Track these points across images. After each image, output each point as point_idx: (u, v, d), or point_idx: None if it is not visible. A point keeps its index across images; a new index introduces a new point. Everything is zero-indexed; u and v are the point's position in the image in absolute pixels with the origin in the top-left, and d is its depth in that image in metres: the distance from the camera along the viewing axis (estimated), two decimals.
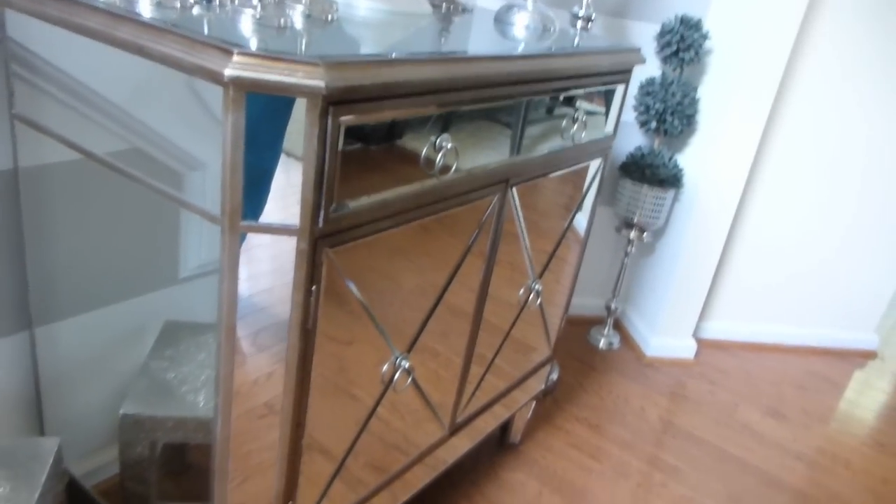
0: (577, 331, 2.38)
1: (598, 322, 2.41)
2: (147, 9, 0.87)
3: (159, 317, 1.09)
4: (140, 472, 1.15)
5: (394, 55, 0.81)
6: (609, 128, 1.43)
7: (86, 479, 1.25)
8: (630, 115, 2.12)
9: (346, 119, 0.77)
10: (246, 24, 0.85)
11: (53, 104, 1.00)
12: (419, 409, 1.23)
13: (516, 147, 1.13)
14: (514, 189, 1.18)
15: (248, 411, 0.91)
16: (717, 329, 2.50)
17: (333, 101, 0.74)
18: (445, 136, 0.93)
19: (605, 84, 1.32)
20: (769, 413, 2.16)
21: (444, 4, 1.48)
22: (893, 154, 2.28)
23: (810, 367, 2.48)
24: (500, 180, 1.12)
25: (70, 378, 1.23)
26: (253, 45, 0.74)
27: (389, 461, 1.23)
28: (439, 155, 0.93)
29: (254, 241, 0.80)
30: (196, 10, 0.92)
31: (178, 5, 0.90)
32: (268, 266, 0.83)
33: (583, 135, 1.28)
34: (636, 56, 1.38)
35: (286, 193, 0.79)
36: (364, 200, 0.86)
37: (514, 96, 1.06)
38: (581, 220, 1.50)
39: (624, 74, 1.38)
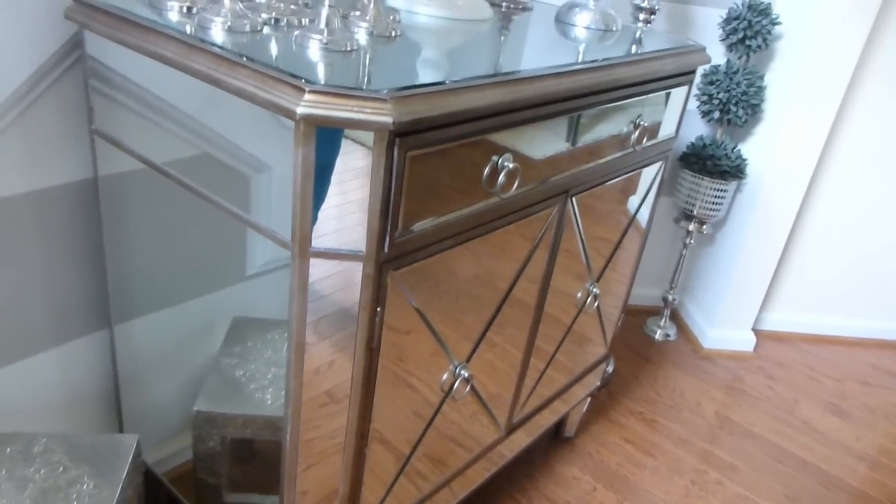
0: (634, 321, 2.37)
1: (655, 313, 2.39)
2: (219, 33, 0.90)
3: (228, 313, 1.14)
4: (211, 464, 1.21)
5: (457, 83, 0.82)
6: (670, 129, 1.40)
7: (158, 467, 1.33)
8: (692, 104, 2.07)
9: (412, 151, 0.78)
10: (314, 51, 0.87)
11: (129, 118, 1.04)
12: (478, 411, 1.26)
13: (576, 157, 1.13)
14: (574, 199, 1.18)
15: (310, 400, 0.93)
16: (777, 320, 2.45)
17: (400, 133, 0.76)
18: (507, 155, 0.94)
19: (668, 87, 1.30)
20: (831, 410, 2.12)
21: (504, 3, 1.47)
22: None
23: (876, 361, 2.41)
24: (559, 192, 1.13)
25: (146, 373, 1.30)
26: (323, 77, 0.76)
27: (448, 454, 1.26)
28: (501, 174, 0.94)
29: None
30: (266, 31, 0.95)
31: (248, 28, 0.92)
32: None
33: (644, 140, 1.27)
34: (701, 56, 1.36)
35: (342, 213, 0.81)
36: (427, 224, 0.88)
37: (576, 109, 1.06)
38: (641, 215, 1.49)
39: (688, 76, 1.35)
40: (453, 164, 0.88)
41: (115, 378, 1.34)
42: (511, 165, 0.94)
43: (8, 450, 1.06)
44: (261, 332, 1.15)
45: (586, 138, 1.14)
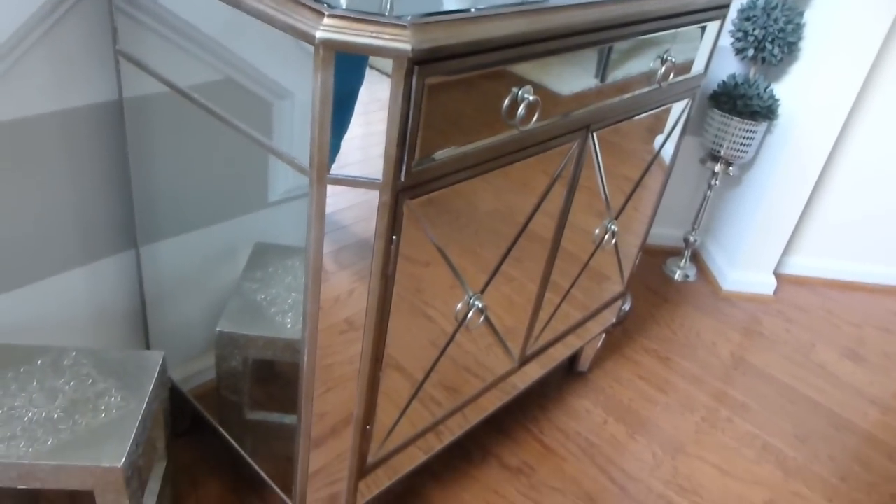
0: (653, 261, 2.37)
1: (676, 253, 2.39)
2: None
3: (250, 239, 1.16)
4: (234, 382, 1.26)
5: (480, 11, 0.81)
6: (700, 66, 1.37)
7: (184, 384, 1.38)
8: (726, 40, 2.02)
9: (431, 79, 0.78)
10: None
11: (153, 40, 1.04)
12: (492, 342, 1.29)
13: (599, 92, 1.12)
14: (595, 134, 1.17)
15: (330, 326, 0.96)
16: (800, 264, 2.43)
17: (419, 62, 0.76)
18: (527, 87, 0.93)
19: (699, 22, 1.26)
20: (847, 354, 2.13)
21: None
22: None
23: None
24: (580, 126, 1.12)
25: (171, 294, 1.33)
26: (343, 1, 0.75)
27: (462, 383, 1.29)
28: (521, 106, 0.93)
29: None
30: None
31: None
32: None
33: (671, 76, 1.24)
34: None
35: (366, 144, 0.82)
36: (445, 154, 0.88)
37: (601, 42, 1.04)
38: (665, 153, 1.47)
39: (721, 10, 1.31)
40: (473, 94, 0.87)
41: (142, 297, 1.38)
42: (531, 98, 0.93)
43: (39, 362, 1.11)
44: (282, 258, 1.17)
45: (610, 72, 1.12)
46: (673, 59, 1.22)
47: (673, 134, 1.44)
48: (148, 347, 1.45)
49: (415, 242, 0.94)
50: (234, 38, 0.89)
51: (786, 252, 2.37)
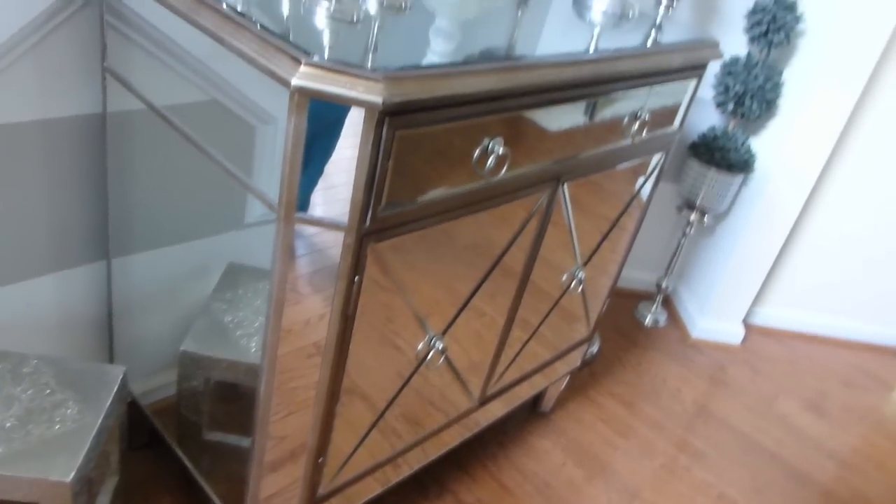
0: (625, 304, 2.40)
1: (648, 297, 2.42)
2: None
3: (223, 259, 1.18)
4: (194, 402, 1.26)
5: (452, 67, 0.84)
6: (675, 122, 1.41)
7: (144, 398, 1.38)
8: (707, 92, 2.07)
9: (401, 130, 0.80)
10: (320, 18, 0.88)
11: (141, 59, 1.06)
12: (453, 380, 1.30)
13: (571, 145, 1.15)
14: (565, 186, 1.20)
15: (298, 349, 0.97)
16: (767, 315, 2.47)
17: (390, 113, 0.78)
18: (498, 139, 0.96)
19: (675, 80, 1.30)
20: (809, 407, 2.16)
21: None
22: None
23: (861, 363, 2.45)
24: (550, 178, 1.14)
25: (139, 307, 1.34)
26: (321, 50, 0.78)
27: (424, 416, 1.30)
28: (490, 158, 0.96)
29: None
30: None
31: None
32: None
33: (644, 132, 1.27)
34: (713, 51, 1.35)
35: (335, 186, 0.84)
36: (412, 201, 0.90)
37: (574, 99, 1.07)
38: (645, 193, 1.50)
39: (697, 70, 1.35)
40: (443, 144, 0.90)
41: (109, 308, 1.39)
42: (501, 150, 0.96)
43: None
44: (253, 280, 1.18)
45: (583, 126, 1.15)
46: (646, 117, 1.25)
47: (649, 181, 1.47)
48: (112, 359, 1.45)
49: (383, 276, 0.96)
50: (221, 61, 0.91)
51: (755, 303, 2.41)
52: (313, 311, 0.94)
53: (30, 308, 1.30)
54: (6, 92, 1.09)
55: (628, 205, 1.45)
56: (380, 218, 0.87)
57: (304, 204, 0.84)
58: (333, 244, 0.88)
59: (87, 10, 1.11)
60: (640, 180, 1.45)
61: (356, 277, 0.90)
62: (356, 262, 0.88)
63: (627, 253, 1.61)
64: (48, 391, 1.10)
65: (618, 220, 1.45)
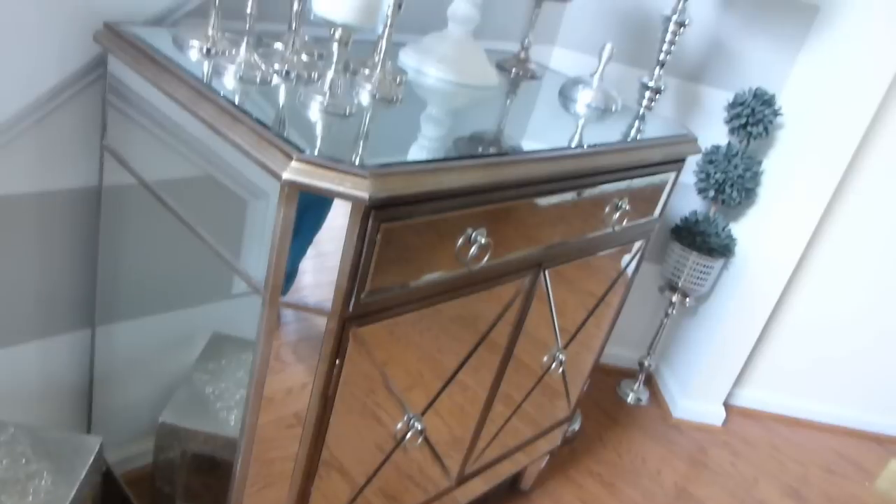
0: (608, 381, 2.41)
1: (630, 375, 2.43)
2: (230, 81, 0.96)
3: (209, 328, 1.19)
4: (170, 473, 1.25)
5: (437, 163, 0.88)
6: (655, 212, 1.46)
7: (119, 466, 1.37)
8: (690, 178, 2.13)
9: (386, 223, 0.84)
10: (314, 111, 0.93)
11: (139, 139, 1.10)
12: (432, 459, 1.31)
13: (552, 233, 1.19)
14: (547, 272, 1.23)
15: (278, 419, 0.98)
16: (749, 398, 2.49)
17: (376, 207, 0.82)
18: (481, 229, 0.99)
19: (655, 174, 1.35)
20: (789, 493, 2.15)
21: (513, 70, 1.53)
22: None
23: (842, 449, 2.45)
24: (532, 265, 1.18)
25: (120, 375, 1.35)
26: (311, 144, 0.82)
27: (403, 492, 1.29)
28: (473, 247, 0.99)
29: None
30: (276, 81, 1.01)
31: (258, 79, 0.98)
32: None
33: (624, 221, 1.32)
34: (692, 147, 1.41)
35: (320, 271, 0.87)
36: (395, 289, 0.93)
37: (558, 191, 1.12)
38: (619, 285, 1.53)
39: (677, 164, 1.41)
40: (426, 234, 0.93)
41: (91, 376, 1.39)
42: (483, 240, 0.99)
43: None
44: (237, 351, 1.19)
45: (565, 216, 1.19)
46: (627, 207, 1.30)
47: (626, 271, 1.51)
48: (90, 425, 1.45)
49: (376, 338, 0.98)
50: (218, 141, 0.94)
51: (737, 384, 2.42)
52: (296, 380, 0.95)
53: (11, 375, 1.30)
54: (6, 165, 1.12)
55: (614, 282, 1.49)
56: (363, 304, 0.89)
57: (289, 287, 0.87)
58: (319, 321, 0.90)
59: (90, 90, 1.15)
60: (626, 258, 1.49)
61: (337, 361, 0.92)
62: (338, 346, 0.90)
63: (611, 329, 1.63)
64: (24, 461, 1.10)
65: (603, 297, 1.48)
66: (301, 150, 0.79)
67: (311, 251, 0.86)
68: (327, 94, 0.94)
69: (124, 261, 1.26)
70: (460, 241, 0.98)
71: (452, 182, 0.89)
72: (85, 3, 1.07)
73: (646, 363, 2.34)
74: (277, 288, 0.85)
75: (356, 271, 0.85)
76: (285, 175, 0.77)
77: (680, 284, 2.18)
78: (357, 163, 0.81)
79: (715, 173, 2.06)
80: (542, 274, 1.22)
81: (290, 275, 0.86)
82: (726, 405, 2.41)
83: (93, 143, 1.20)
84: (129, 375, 1.33)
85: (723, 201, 2.09)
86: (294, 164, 0.77)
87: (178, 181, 1.07)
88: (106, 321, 1.34)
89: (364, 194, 0.78)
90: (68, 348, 1.36)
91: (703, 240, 2.09)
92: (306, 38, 1.15)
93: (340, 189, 0.78)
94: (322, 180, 0.77)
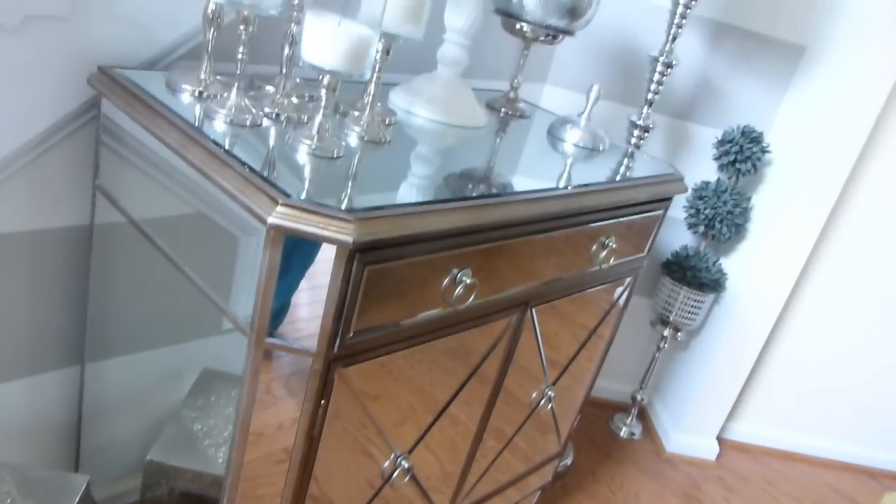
0: (601, 415, 2.41)
1: (623, 409, 2.43)
2: (221, 125, 0.98)
3: (199, 364, 1.19)
4: None
5: (422, 206, 0.89)
6: (643, 249, 1.47)
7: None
8: (680, 213, 2.15)
9: (371, 266, 0.85)
10: (302, 155, 0.95)
11: (132, 179, 1.11)
12: (429, 490, 1.30)
13: (539, 272, 1.20)
14: (534, 310, 1.24)
15: (268, 454, 0.98)
16: (743, 432, 2.48)
17: (361, 250, 0.83)
18: (466, 270, 1.01)
19: (641, 213, 1.37)
20: None
21: (502, 109, 1.56)
22: None
23: (836, 483, 2.44)
24: (519, 303, 1.19)
25: (109, 413, 1.35)
26: (298, 189, 0.84)
27: None
28: (459, 287, 1.00)
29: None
30: (265, 124, 1.03)
31: (249, 123, 1.00)
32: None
33: (611, 260, 1.33)
34: (678, 185, 1.43)
35: (306, 313, 0.88)
36: (380, 329, 0.94)
37: (544, 231, 1.13)
38: (610, 319, 1.54)
39: (664, 202, 1.43)
40: (412, 275, 0.94)
41: (79, 413, 1.39)
42: (469, 280, 1.00)
43: None
44: (226, 387, 1.20)
45: (552, 254, 1.21)
46: (614, 245, 1.32)
47: (615, 308, 1.52)
48: (77, 463, 1.44)
49: (365, 374, 0.98)
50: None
51: (730, 418, 2.42)
52: (287, 415, 0.95)
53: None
54: None
55: (606, 314, 1.50)
56: (348, 344, 0.90)
57: (277, 324, 0.88)
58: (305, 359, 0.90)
59: (83, 130, 1.17)
60: (618, 290, 1.49)
61: (322, 401, 0.92)
62: (323, 386, 0.91)
63: (602, 362, 1.64)
64: (9, 500, 1.10)
65: (595, 329, 1.49)
66: (287, 195, 0.80)
67: (297, 291, 0.87)
68: (315, 138, 0.96)
69: (115, 298, 1.26)
70: (446, 281, 0.99)
71: (437, 225, 0.90)
72: (80, 47, 1.10)
73: (638, 397, 2.34)
74: (263, 329, 0.86)
75: (341, 312, 0.86)
76: (270, 219, 0.78)
77: (671, 319, 2.19)
78: (342, 207, 0.83)
79: (705, 209, 2.08)
80: (529, 312, 1.23)
81: (278, 313, 0.87)
82: (720, 439, 2.41)
83: (85, 182, 1.21)
84: (118, 412, 1.33)
85: (713, 237, 2.11)
86: (280, 208, 0.79)
87: (170, 218, 1.08)
88: (95, 358, 1.34)
89: (348, 238, 0.79)
90: (57, 385, 1.36)
91: (694, 275, 2.11)
92: (298, 80, 1.18)
93: (325, 233, 0.79)
94: (307, 224, 0.79)
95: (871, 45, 1.83)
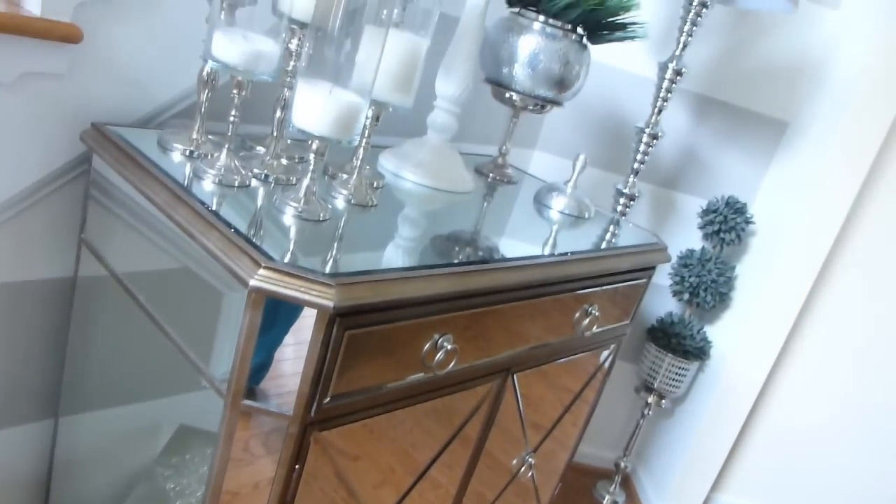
0: (584, 482, 2.37)
1: (606, 476, 2.40)
2: (209, 185, 0.99)
3: (176, 419, 1.17)
4: None
5: (404, 272, 0.90)
6: (627, 317, 1.48)
7: None
8: (665, 279, 2.17)
9: (351, 330, 0.85)
10: (288, 217, 0.96)
11: (119, 229, 1.12)
12: None
13: (521, 338, 1.20)
14: (516, 376, 1.24)
15: None
16: (727, 503, 2.44)
17: (341, 314, 0.83)
18: (448, 336, 1.01)
19: (625, 282, 1.38)
20: None
21: (490, 175, 1.59)
22: None
23: None
24: (501, 369, 1.19)
25: (81, 468, 1.32)
26: (281, 251, 0.84)
27: None
28: (439, 353, 1.00)
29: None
30: (254, 185, 1.05)
31: (237, 184, 1.02)
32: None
33: (594, 327, 1.34)
34: (661, 255, 1.45)
35: (283, 375, 0.87)
36: (359, 393, 0.93)
37: (527, 297, 1.14)
38: (594, 384, 1.53)
39: (647, 271, 1.44)
40: (392, 340, 0.94)
41: (50, 468, 1.36)
42: (450, 346, 1.00)
43: None
44: (202, 444, 1.17)
45: (534, 321, 1.21)
46: (597, 313, 1.32)
47: (597, 375, 1.52)
48: None
49: (344, 435, 0.97)
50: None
51: (714, 488, 2.39)
52: (264, 474, 0.93)
53: None
54: None
55: (591, 377, 1.49)
56: (325, 409, 0.89)
57: (255, 384, 0.87)
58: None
59: (73, 184, 1.18)
60: (604, 354, 1.49)
61: (297, 466, 0.91)
62: (298, 451, 0.90)
63: (585, 426, 1.62)
64: None
65: (580, 393, 1.48)
66: (270, 258, 0.81)
67: (277, 353, 0.87)
68: (302, 201, 0.97)
69: (93, 351, 1.25)
70: (427, 345, 0.99)
71: (419, 290, 0.91)
72: (75, 104, 1.12)
73: (622, 464, 2.31)
74: (240, 391, 0.86)
75: (319, 376, 0.86)
76: (252, 282, 0.79)
77: (656, 385, 2.18)
78: (325, 271, 0.83)
79: (689, 277, 2.10)
80: (511, 378, 1.23)
81: (261, 367, 0.87)
82: None
83: (71, 235, 1.22)
84: (90, 468, 1.30)
85: (697, 304, 2.12)
86: (262, 271, 0.79)
87: (155, 272, 1.08)
88: (70, 412, 1.32)
89: (329, 303, 0.80)
90: (29, 439, 1.33)
91: (679, 342, 2.11)
92: (289, 141, 1.20)
93: (306, 297, 0.79)
94: (288, 288, 0.79)
95: (851, 119, 1.89)
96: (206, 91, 1.04)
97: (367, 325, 0.88)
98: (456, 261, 1.03)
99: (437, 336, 1.00)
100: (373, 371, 0.94)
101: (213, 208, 0.90)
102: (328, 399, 0.89)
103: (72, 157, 1.16)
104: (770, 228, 2.08)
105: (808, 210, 1.99)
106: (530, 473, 1.45)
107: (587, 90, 1.98)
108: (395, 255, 1.00)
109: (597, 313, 1.32)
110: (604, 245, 1.35)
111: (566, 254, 1.20)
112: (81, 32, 1.03)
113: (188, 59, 1.21)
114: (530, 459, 1.42)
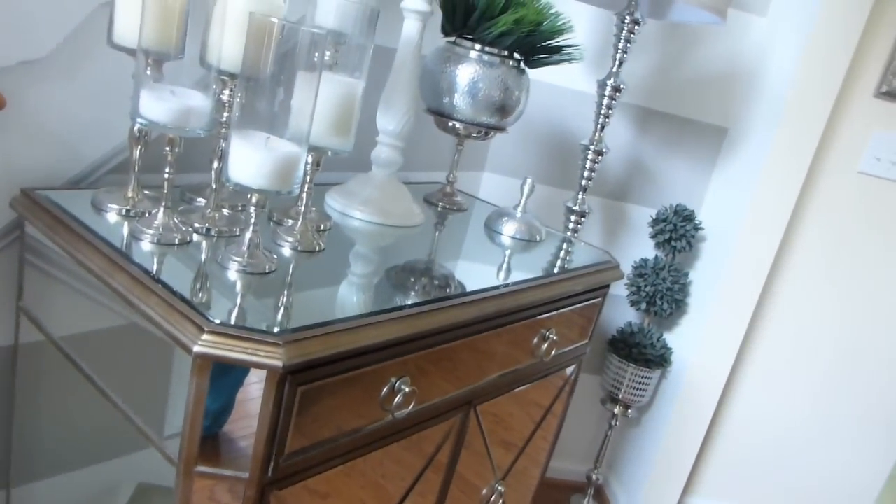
0: (558, 496, 2.37)
1: (580, 490, 2.40)
2: (147, 245, 0.96)
3: (134, 478, 1.13)
4: None
5: (353, 321, 0.89)
6: (585, 336, 1.49)
7: None
8: (622, 289, 2.19)
9: (304, 385, 0.84)
10: (232, 273, 0.93)
11: (59, 293, 1.08)
12: None
13: (480, 371, 1.19)
14: (478, 408, 1.23)
15: None
16: None
17: (292, 372, 0.81)
18: (405, 378, 1.00)
19: (579, 303, 1.39)
20: None
21: (440, 204, 1.58)
22: (884, 344, 2.31)
23: None
24: (462, 404, 1.18)
25: None
26: (225, 313, 0.82)
27: None
28: (398, 396, 0.99)
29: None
30: (196, 239, 1.02)
31: (177, 241, 0.99)
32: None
33: (553, 351, 1.34)
34: (614, 273, 1.46)
35: (237, 437, 0.85)
36: (317, 447, 0.91)
37: (482, 331, 1.13)
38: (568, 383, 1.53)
39: (601, 290, 1.45)
40: (348, 390, 0.93)
41: None
42: (408, 389, 0.99)
43: None
44: (163, 501, 1.14)
45: (491, 353, 1.21)
46: (554, 337, 1.32)
47: (561, 395, 1.52)
48: None
49: (307, 485, 0.94)
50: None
51: (686, 493, 2.41)
52: None
53: None
54: None
55: (560, 391, 1.49)
56: (282, 467, 0.87)
57: (217, 429, 0.84)
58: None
59: (7, 251, 1.14)
60: (569, 370, 1.49)
61: None
62: None
63: (556, 440, 1.62)
64: None
65: (550, 407, 1.47)
66: (212, 321, 0.79)
67: (229, 415, 0.84)
68: (245, 255, 0.95)
69: (42, 418, 1.21)
70: (384, 390, 0.98)
71: (372, 338, 0.89)
72: (3, 170, 1.08)
73: (594, 476, 2.31)
74: (192, 459, 0.83)
75: (273, 436, 0.84)
76: (196, 348, 0.77)
77: (621, 396, 2.19)
78: (274, 328, 0.81)
79: (645, 286, 2.12)
80: (473, 411, 1.22)
81: (218, 417, 0.84)
82: None
83: (8, 304, 1.17)
84: None
85: (655, 313, 2.14)
86: (205, 336, 0.77)
87: (100, 332, 1.05)
88: (23, 481, 1.27)
89: (278, 363, 0.78)
90: None
91: (640, 351, 2.13)
92: (231, 188, 1.17)
93: (254, 359, 0.78)
94: (234, 351, 0.77)
95: (787, 121, 1.94)
96: (139, 147, 1.02)
97: (320, 379, 0.87)
98: (409, 302, 1.01)
99: (394, 379, 0.99)
100: (330, 423, 0.92)
101: (153, 272, 0.88)
102: (284, 458, 0.87)
103: (3, 224, 1.12)
104: (718, 233, 2.12)
105: (753, 212, 2.03)
106: (500, 502, 1.44)
107: (532, 109, 1.99)
108: (346, 301, 0.99)
109: (555, 337, 1.32)
110: (556, 269, 1.35)
111: (519, 283, 1.20)
112: (4, 99, 1.00)
113: (118, 114, 1.18)
114: (500, 488, 1.41)
